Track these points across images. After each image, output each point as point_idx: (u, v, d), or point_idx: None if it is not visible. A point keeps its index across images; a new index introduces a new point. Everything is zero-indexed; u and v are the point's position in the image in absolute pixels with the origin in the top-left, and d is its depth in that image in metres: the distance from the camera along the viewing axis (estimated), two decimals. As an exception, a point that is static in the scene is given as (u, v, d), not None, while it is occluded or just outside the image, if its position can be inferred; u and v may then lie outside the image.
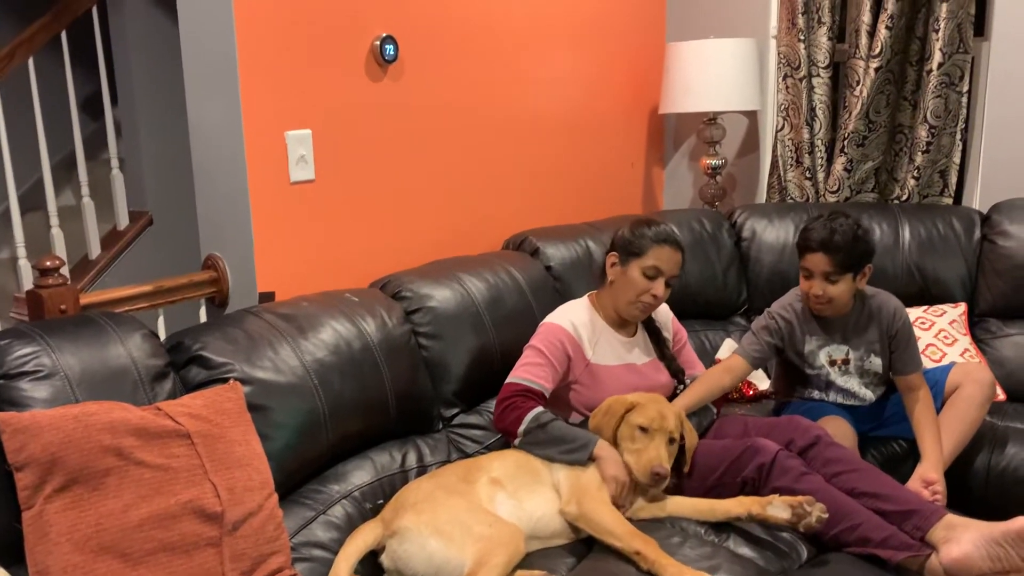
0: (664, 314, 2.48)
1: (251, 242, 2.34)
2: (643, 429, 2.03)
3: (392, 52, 2.56)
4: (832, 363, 2.45)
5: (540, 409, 2.11)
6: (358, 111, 2.55)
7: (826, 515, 1.91)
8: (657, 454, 2.00)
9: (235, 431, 1.80)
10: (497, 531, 1.84)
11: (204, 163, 2.42)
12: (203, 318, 2.46)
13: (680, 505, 2.05)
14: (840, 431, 2.30)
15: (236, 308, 2.31)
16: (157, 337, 1.93)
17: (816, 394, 2.50)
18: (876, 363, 2.44)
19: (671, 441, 2.04)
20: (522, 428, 2.09)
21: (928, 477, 2.23)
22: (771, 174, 3.44)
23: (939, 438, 2.31)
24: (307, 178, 2.44)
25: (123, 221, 3.75)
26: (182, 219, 3.34)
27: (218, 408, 1.80)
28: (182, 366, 1.93)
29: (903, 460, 2.44)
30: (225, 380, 1.89)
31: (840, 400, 2.48)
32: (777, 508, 1.92)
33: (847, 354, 2.43)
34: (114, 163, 3.67)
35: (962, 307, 2.92)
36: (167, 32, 3.57)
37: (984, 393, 2.37)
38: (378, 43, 2.54)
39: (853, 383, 2.46)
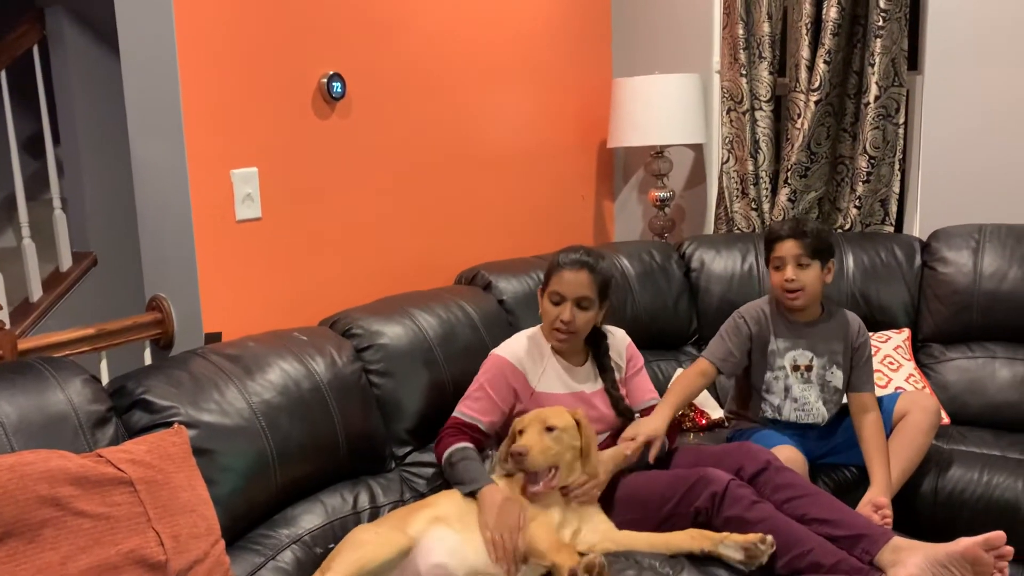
0: (620, 340, 2.47)
1: (196, 282, 2.30)
2: (520, 432, 2.09)
3: (339, 89, 2.56)
4: (795, 368, 2.50)
5: (458, 446, 2.14)
6: (305, 148, 2.54)
7: (774, 548, 1.93)
8: (524, 441, 2.02)
9: (180, 476, 1.75)
10: (377, 537, 1.87)
11: (148, 202, 2.38)
12: (148, 361, 2.41)
13: (634, 539, 2.04)
14: (791, 459, 2.32)
15: (182, 350, 2.26)
16: (98, 381, 1.88)
17: (769, 412, 2.52)
18: (837, 376, 2.50)
19: (549, 429, 2.06)
20: (442, 463, 2.16)
21: (878, 501, 2.27)
22: (718, 205, 3.50)
23: (888, 463, 2.37)
24: (253, 216, 2.41)
25: (66, 262, 3.66)
26: (127, 260, 3.27)
27: (162, 453, 1.76)
28: (125, 411, 1.88)
29: (854, 486, 2.47)
30: (169, 424, 1.85)
31: (794, 418, 2.50)
32: (730, 548, 1.93)
33: (811, 360, 2.49)
34: (56, 203, 3.59)
35: (906, 332, 2.98)
36: (110, 70, 3.53)
37: (930, 420, 2.43)
38: (325, 80, 2.54)
39: (811, 394, 2.50)
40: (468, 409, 2.26)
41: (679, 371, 2.99)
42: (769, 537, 1.92)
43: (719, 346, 2.54)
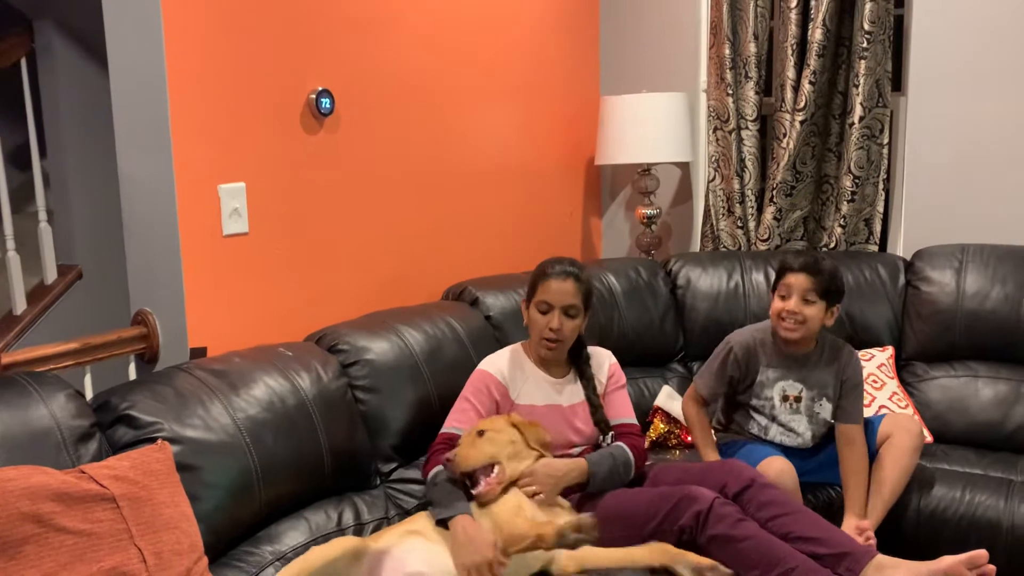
0: (603, 357, 2.48)
1: (182, 297, 2.29)
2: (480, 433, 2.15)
3: (328, 105, 2.57)
4: (784, 399, 2.51)
5: (442, 467, 2.13)
6: (293, 164, 2.54)
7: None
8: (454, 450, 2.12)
9: (163, 493, 1.74)
10: (329, 545, 1.87)
11: (134, 216, 2.38)
12: (132, 375, 2.39)
13: (597, 554, 2.03)
14: (783, 470, 2.33)
15: (166, 365, 2.25)
16: (82, 397, 1.87)
17: (755, 429, 2.54)
18: (826, 408, 2.51)
19: (480, 434, 2.14)
20: (428, 480, 2.16)
21: (861, 524, 2.31)
22: (704, 223, 3.52)
23: (866, 490, 2.40)
24: (240, 231, 2.41)
25: (51, 275, 3.64)
26: (113, 273, 3.26)
27: (145, 469, 1.75)
28: (108, 426, 1.87)
29: (839, 505, 2.47)
30: (153, 440, 1.84)
31: (779, 439, 2.52)
32: (683, 567, 1.95)
33: (800, 392, 2.50)
34: (42, 215, 3.57)
35: (889, 351, 3.00)
36: (98, 83, 3.52)
37: (914, 442, 2.45)
38: (314, 96, 2.55)
39: (799, 424, 2.52)
40: (456, 423, 2.27)
41: (665, 388, 3.00)
42: (725, 569, 1.94)
43: (709, 379, 2.56)
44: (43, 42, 3.60)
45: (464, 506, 2.03)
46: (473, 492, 2.08)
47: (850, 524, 2.34)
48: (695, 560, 1.95)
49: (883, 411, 2.77)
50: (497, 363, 2.36)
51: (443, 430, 2.27)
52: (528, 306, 2.36)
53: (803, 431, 2.52)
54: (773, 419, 2.53)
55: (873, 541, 2.26)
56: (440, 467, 2.14)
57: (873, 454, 2.47)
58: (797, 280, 2.43)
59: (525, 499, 2.08)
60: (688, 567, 1.95)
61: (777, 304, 2.47)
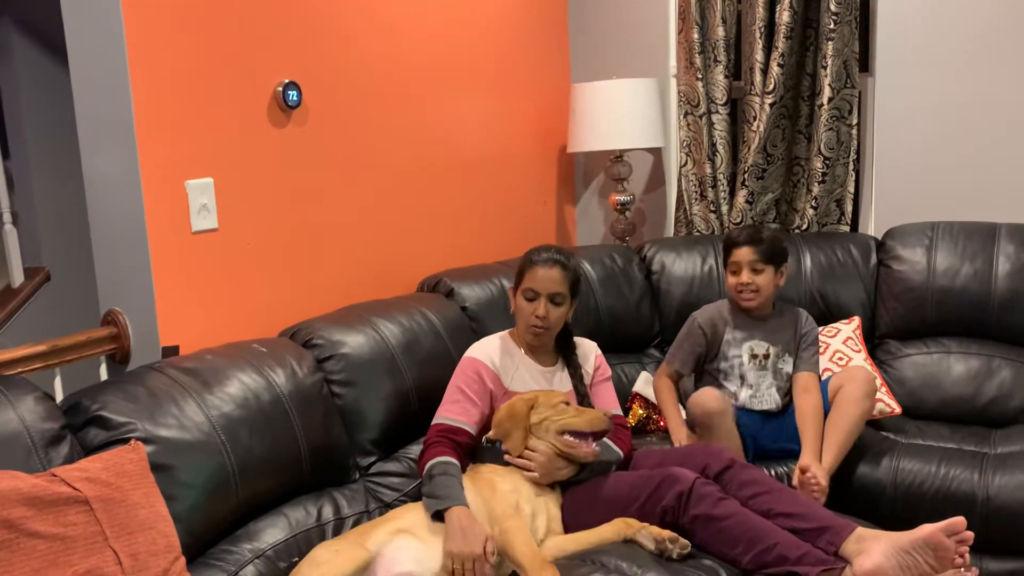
0: (589, 348, 2.50)
1: (152, 295, 2.26)
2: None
3: (295, 98, 2.54)
4: (753, 356, 2.66)
5: (441, 459, 2.12)
6: (262, 158, 2.51)
7: (687, 550, 2.00)
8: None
9: (137, 494, 1.72)
10: (336, 555, 1.85)
11: (101, 215, 2.34)
12: (103, 376, 2.36)
13: (573, 541, 2.07)
14: (711, 395, 2.47)
15: (138, 365, 2.22)
16: (52, 399, 1.84)
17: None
18: (789, 363, 2.68)
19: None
20: (423, 475, 2.14)
21: (803, 465, 2.36)
22: (677, 208, 3.53)
23: (819, 435, 2.49)
24: (210, 227, 2.38)
25: (18, 278, 3.59)
26: (82, 274, 3.21)
27: (119, 470, 1.72)
28: (80, 428, 1.84)
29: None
30: (126, 440, 1.81)
31: (749, 405, 2.62)
32: (644, 538, 2.02)
33: (767, 349, 2.67)
34: (7, 217, 3.52)
35: (855, 321, 3.00)
36: (60, 80, 3.46)
37: (863, 389, 2.53)
38: (281, 89, 2.51)
39: (765, 381, 2.64)
40: (450, 413, 2.25)
41: (643, 374, 3.00)
42: (682, 540, 2.00)
43: (680, 352, 2.75)
44: (2, 40, 3.54)
45: (461, 498, 2.02)
46: (577, 452, 2.18)
47: (797, 467, 2.40)
48: (656, 532, 2.01)
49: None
50: (487, 350, 2.36)
51: (437, 420, 2.25)
52: (516, 293, 2.38)
53: (767, 387, 2.64)
54: (742, 379, 2.65)
55: (818, 486, 2.30)
56: (437, 459, 2.11)
57: (827, 411, 2.55)
58: (742, 253, 2.63)
59: (528, 504, 2.09)
60: (649, 538, 2.01)
61: (731, 280, 2.68)
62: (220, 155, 2.40)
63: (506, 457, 2.21)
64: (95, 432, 1.83)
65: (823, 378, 2.70)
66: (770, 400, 2.65)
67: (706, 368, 2.74)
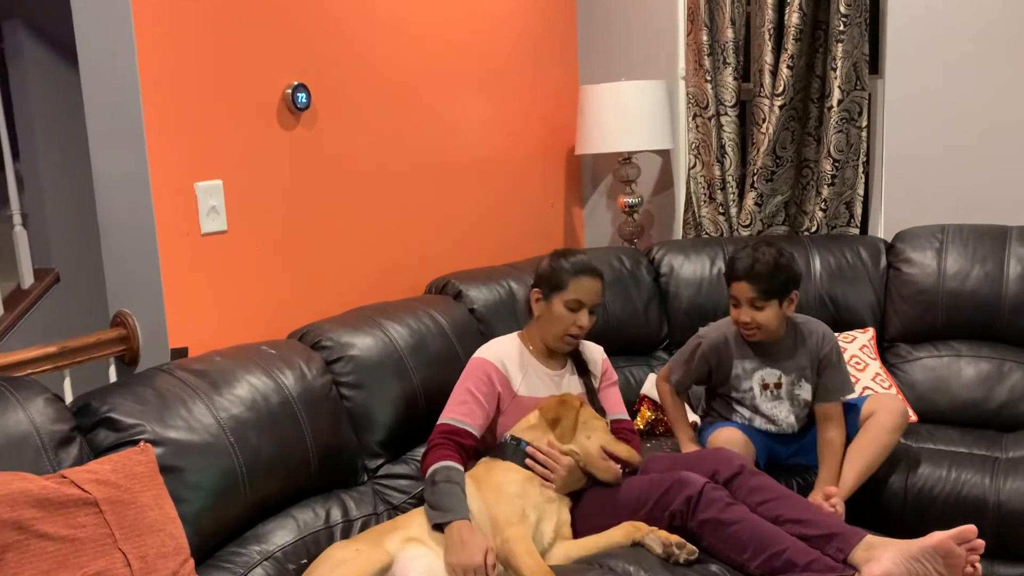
0: (596, 352, 2.50)
1: (161, 297, 2.26)
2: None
3: (304, 100, 2.54)
4: (764, 387, 2.50)
5: (444, 464, 2.10)
6: (271, 160, 2.51)
7: (694, 556, 1.98)
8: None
9: (146, 495, 1.72)
10: (357, 555, 1.85)
11: (110, 217, 2.34)
12: (113, 378, 2.36)
13: (583, 546, 2.06)
14: (729, 438, 2.37)
15: (147, 366, 2.22)
16: (61, 400, 1.84)
17: (739, 420, 2.54)
18: (806, 389, 2.51)
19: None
20: (426, 479, 2.12)
21: (828, 490, 2.31)
22: (686, 210, 3.52)
23: (840, 463, 2.41)
24: (219, 229, 2.38)
25: (27, 279, 3.59)
26: (90, 276, 3.22)
27: (128, 472, 1.72)
28: (89, 430, 1.84)
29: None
30: (135, 442, 1.81)
31: (764, 429, 2.52)
32: (652, 541, 2.01)
33: (779, 378, 2.50)
34: (16, 219, 3.53)
35: (871, 332, 3.01)
36: (70, 83, 3.47)
37: (895, 421, 2.45)
38: (290, 91, 2.52)
39: (781, 410, 2.51)
40: (457, 414, 2.23)
41: (651, 376, 2.99)
42: (690, 546, 1.99)
43: (679, 368, 2.60)
44: (12, 43, 3.55)
45: (463, 511, 2.01)
46: (603, 468, 2.18)
47: (819, 491, 2.34)
48: (664, 536, 2.00)
49: (867, 392, 2.78)
50: (497, 352, 2.34)
51: (443, 421, 2.23)
52: (548, 300, 2.32)
53: (785, 416, 2.52)
54: (755, 410, 2.53)
55: (840, 508, 2.27)
56: (440, 464, 2.10)
57: (853, 434, 2.48)
58: (741, 289, 2.41)
59: (533, 511, 2.08)
60: (657, 542, 2.00)
61: (732, 312, 2.47)
62: (229, 157, 2.40)
63: (527, 462, 2.17)
64: (104, 434, 1.83)
65: (861, 394, 2.63)
66: (788, 427, 2.51)
67: (718, 391, 2.59)
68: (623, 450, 2.22)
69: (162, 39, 2.23)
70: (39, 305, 3.60)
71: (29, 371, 2.14)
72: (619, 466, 2.21)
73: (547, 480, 2.15)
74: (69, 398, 2.24)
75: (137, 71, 2.18)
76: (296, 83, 2.53)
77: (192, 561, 1.73)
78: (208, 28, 2.33)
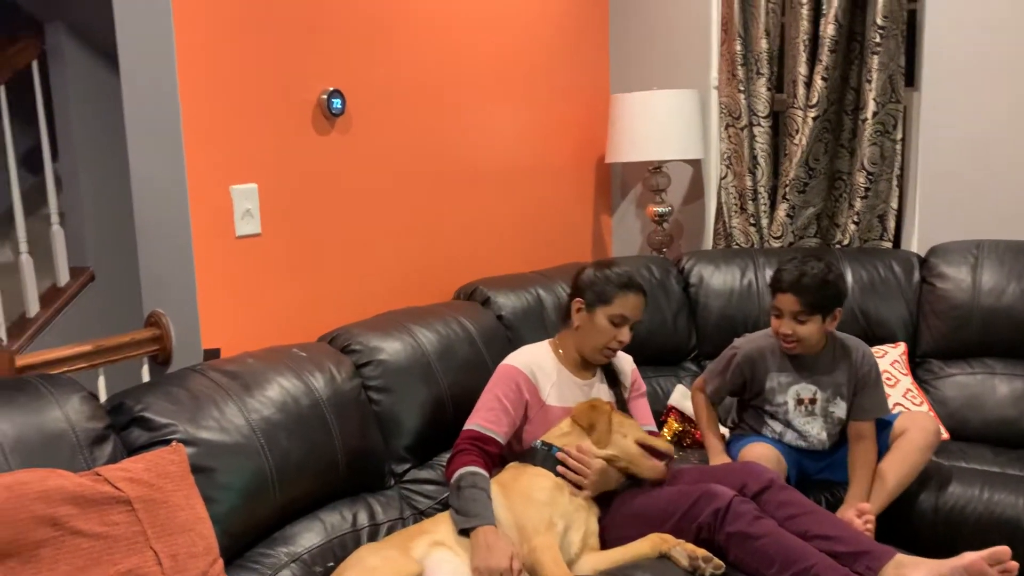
0: (625, 362, 2.49)
1: (195, 298, 2.29)
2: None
3: (339, 106, 2.57)
4: (799, 402, 2.48)
5: (469, 470, 2.10)
6: (305, 164, 2.54)
7: (720, 571, 1.97)
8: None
9: (178, 495, 1.74)
10: (386, 563, 1.85)
11: (147, 218, 2.38)
12: (146, 377, 2.39)
13: (609, 558, 2.05)
14: (761, 454, 2.35)
15: (180, 366, 2.25)
16: (96, 399, 1.87)
17: (770, 434, 2.52)
18: (841, 407, 2.48)
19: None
20: (451, 484, 2.12)
21: (862, 506, 2.28)
22: (716, 221, 3.50)
23: (870, 480, 2.38)
24: (253, 232, 2.41)
25: (63, 277, 3.65)
26: (125, 275, 3.26)
27: (160, 472, 1.75)
28: (123, 428, 1.87)
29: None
30: (168, 442, 1.83)
31: (795, 444, 2.50)
32: (679, 554, 2.00)
33: (815, 394, 2.47)
34: (54, 218, 3.59)
35: (902, 347, 2.98)
36: (109, 85, 3.53)
37: (927, 439, 2.42)
38: (325, 97, 2.54)
39: (814, 426, 2.49)
40: (484, 421, 2.23)
41: (679, 387, 2.98)
42: (716, 560, 1.97)
43: (714, 380, 2.58)
44: (54, 44, 3.61)
45: (489, 516, 2.01)
46: (643, 465, 2.19)
47: (850, 508, 2.31)
48: (691, 549, 1.99)
49: (898, 408, 2.75)
50: (527, 361, 2.33)
51: (469, 427, 2.23)
52: (592, 312, 2.31)
53: (817, 433, 2.49)
54: (788, 424, 2.50)
55: (872, 525, 2.24)
56: (466, 469, 2.10)
57: (884, 452, 2.45)
58: (785, 301, 2.38)
59: (561, 520, 2.07)
60: (683, 555, 1.99)
61: (774, 322, 2.45)
62: (264, 161, 2.43)
63: (559, 468, 2.17)
64: (138, 433, 1.86)
65: (893, 410, 2.60)
66: (818, 444, 2.49)
67: (750, 403, 2.57)
68: (660, 443, 2.23)
69: (201, 45, 2.26)
70: (74, 303, 3.66)
71: (64, 369, 2.18)
72: (662, 463, 2.21)
73: (578, 485, 2.15)
74: (103, 396, 2.28)
75: (176, 75, 2.21)
76: (331, 89, 2.55)
77: (221, 561, 1.75)
78: (245, 34, 2.36)
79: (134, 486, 1.67)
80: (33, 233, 3.56)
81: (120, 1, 2.31)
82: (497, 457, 2.24)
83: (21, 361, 2.11)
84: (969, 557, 1.89)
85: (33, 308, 3.52)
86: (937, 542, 2.38)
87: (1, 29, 3.70)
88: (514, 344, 2.63)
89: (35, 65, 3.54)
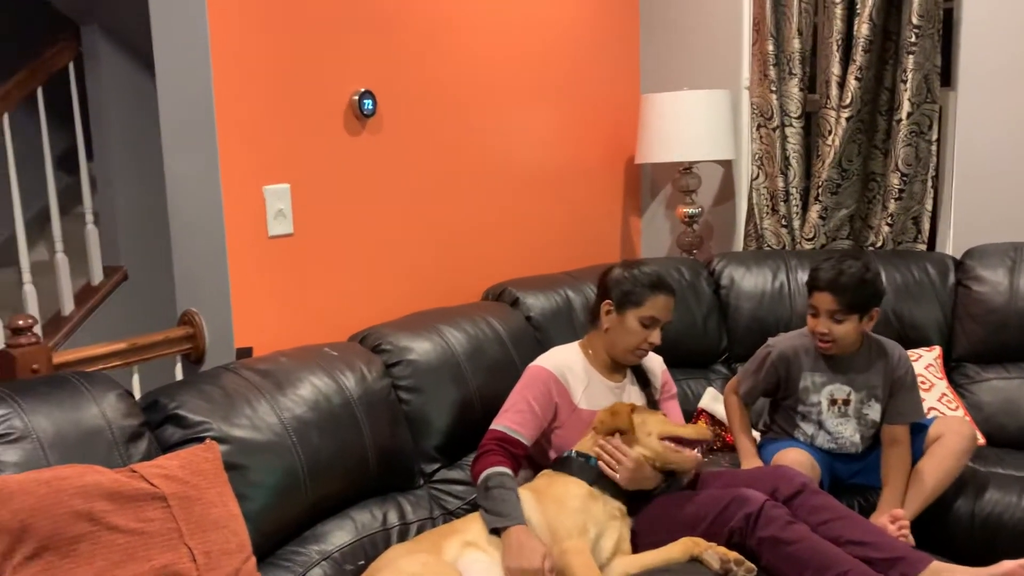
0: (656, 363, 2.48)
1: (228, 297, 2.31)
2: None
3: (370, 107, 2.58)
4: (832, 403, 2.45)
5: (496, 470, 2.09)
6: (337, 165, 2.55)
7: (752, 574, 1.95)
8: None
9: (212, 492, 1.75)
10: (426, 570, 1.84)
11: (181, 218, 2.40)
12: (179, 375, 2.42)
13: (641, 561, 2.05)
14: (795, 459, 2.32)
15: (213, 365, 2.27)
16: (132, 396, 1.89)
17: (802, 437, 2.50)
18: (875, 409, 2.45)
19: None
20: (478, 484, 2.11)
21: (896, 512, 2.25)
22: (747, 222, 3.47)
23: (903, 487, 2.35)
24: (285, 232, 2.42)
25: (97, 276, 3.70)
26: (157, 274, 3.30)
27: (194, 469, 1.76)
28: (157, 426, 1.89)
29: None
30: (201, 439, 1.85)
31: (827, 448, 2.47)
32: (710, 557, 1.99)
33: (848, 395, 2.44)
34: (89, 217, 3.64)
35: (937, 351, 2.93)
36: (144, 87, 3.57)
37: (963, 445, 2.38)
38: (356, 98, 2.55)
39: (847, 428, 2.46)
40: (511, 423, 2.22)
41: (709, 390, 2.96)
42: (748, 563, 1.96)
43: (748, 380, 2.56)
44: (90, 46, 3.66)
45: (519, 516, 2.01)
46: (679, 458, 2.17)
47: (883, 513, 2.28)
48: (722, 552, 1.97)
49: (933, 413, 2.71)
50: (558, 363, 2.32)
51: (496, 427, 2.22)
52: (623, 314, 2.29)
53: (850, 435, 2.46)
54: (820, 426, 2.47)
55: (907, 531, 2.21)
56: (493, 469, 2.09)
57: (919, 457, 2.42)
58: (822, 299, 2.35)
59: (593, 526, 2.06)
60: (715, 558, 1.97)
61: (810, 321, 2.42)
62: (297, 161, 2.44)
63: (595, 450, 2.17)
64: (172, 430, 1.88)
65: (927, 414, 2.56)
66: (851, 446, 2.46)
67: (782, 403, 2.54)
68: (688, 430, 2.21)
69: (235, 46, 2.28)
70: (108, 302, 3.70)
71: (100, 366, 2.21)
72: (695, 451, 2.18)
73: (613, 471, 2.14)
74: (138, 394, 2.30)
75: (211, 77, 2.23)
76: (363, 90, 2.56)
77: (254, 559, 1.76)
78: (279, 34, 2.38)
79: (169, 483, 1.69)
80: (68, 232, 3.60)
81: (156, 3, 2.34)
82: (522, 459, 2.23)
83: (58, 358, 2.14)
84: (1007, 565, 1.87)
85: (68, 306, 3.57)
86: (974, 549, 2.34)
87: (38, 32, 3.76)
88: (543, 345, 2.63)
89: (71, 67, 3.59)
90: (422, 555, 1.93)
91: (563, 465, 2.21)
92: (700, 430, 2.22)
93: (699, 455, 2.19)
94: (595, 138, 3.53)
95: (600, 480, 2.14)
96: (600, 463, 2.16)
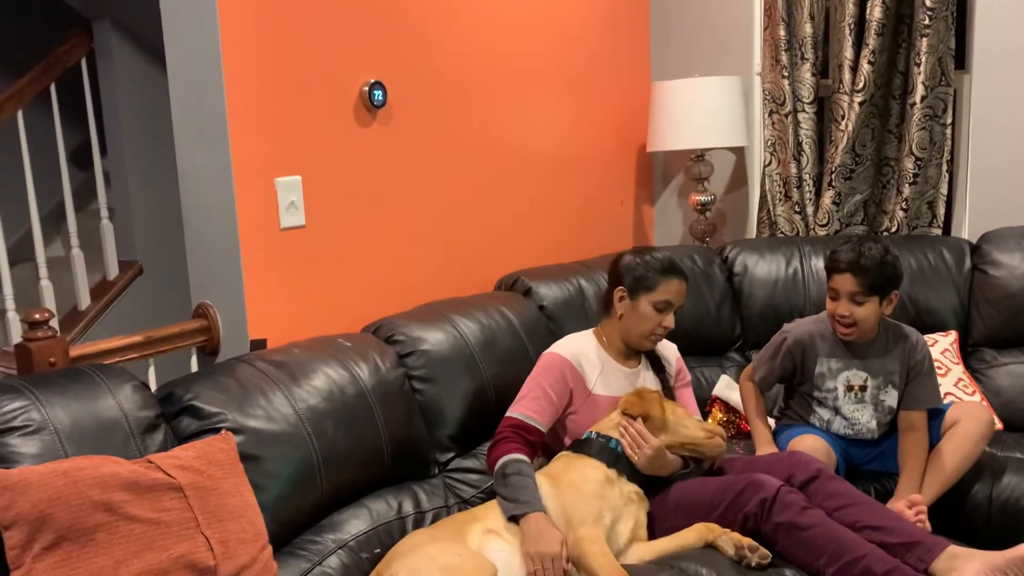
0: (669, 350, 2.47)
1: (242, 289, 2.32)
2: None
3: (381, 97, 2.58)
4: (849, 388, 2.44)
5: (513, 457, 2.10)
6: (348, 156, 2.56)
7: (766, 560, 1.95)
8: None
9: (228, 482, 1.77)
10: (463, 561, 1.84)
11: (194, 211, 2.42)
12: (194, 367, 2.44)
13: (656, 548, 2.05)
14: (812, 446, 2.31)
15: (227, 356, 2.29)
16: (148, 388, 1.91)
17: (818, 423, 2.49)
18: (892, 396, 2.44)
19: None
20: (495, 471, 2.12)
21: (913, 498, 2.23)
22: (760, 209, 3.46)
23: (922, 470, 2.34)
24: (297, 224, 2.43)
25: (113, 271, 3.73)
26: (172, 268, 3.33)
27: (210, 459, 1.78)
28: (173, 417, 1.91)
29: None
30: (217, 430, 1.87)
31: (843, 433, 2.46)
32: (725, 543, 2.00)
33: (865, 380, 2.43)
34: (103, 213, 3.67)
35: (953, 335, 2.91)
36: (156, 82, 3.59)
37: (980, 431, 2.36)
38: (367, 88, 2.55)
39: (864, 414, 2.45)
40: (527, 410, 2.22)
41: (723, 377, 2.95)
42: (763, 550, 1.96)
43: (763, 366, 2.55)
44: (102, 42, 3.68)
45: (538, 503, 2.01)
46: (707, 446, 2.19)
47: (900, 499, 2.26)
48: (737, 538, 1.98)
49: (949, 399, 2.69)
50: (573, 350, 2.32)
51: (512, 415, 2.22)
52: (636, 299, 2.29)
53: (867, 421, 2.45)
54: (836, 411, 2.46)
55: (924, 517, 2.19)
56: (510, 457, 2.10)
57: (936, 443, 2.40)
58: (843, 281, 2.34)
59: (609, 512, 2.06)
60: (729, 544, 1.98)
61: (829, 305, 2.40)
62: (308, 153, 2.45)
63: (619, 429, 2.17)
64: (188, 421, 1.90)
65: (944, 399, 2.55)
66: (867, 432, 2.44)
67: (798, 389, 2.54)
68: (709, 449, 2.22)
69: (245, 39, 2.28)
70: (123, 296, 3.73)
71: (117, 359, 2.23)
72: (717, 436, 2.20)
73: (633, 453, 2.14)
74: (153, 386, 2.32)
75: (222, 70, 2.24)
76: (373, 81, 2.56)
77: (270, 548, 1.78)
78: (289, 26, 2.38)
79: (185, 473, 1.71)
80: (83, 228, 3.64)
81: (166, -3, 2.34)
82: (539, 446, 2.24)
83: (75, 351, 2.16)
84: (1026, 548, 1.85)
85: (84, 301, 3.60)
86: (991, 534, 2.33)
87: (51, 28, 3.78)
88: (556, 334, 2.62)
89: (84, 63, 3.61)
90: (455, 545, 1.91)
91: (582, 446, 2.20)
92: (719, 447, 2.23)
93: (720, 440, 2.21)
94: (606, 127, 3.52)
95: (618, 463, 2.14)
96: (623, 442, 2.15)
